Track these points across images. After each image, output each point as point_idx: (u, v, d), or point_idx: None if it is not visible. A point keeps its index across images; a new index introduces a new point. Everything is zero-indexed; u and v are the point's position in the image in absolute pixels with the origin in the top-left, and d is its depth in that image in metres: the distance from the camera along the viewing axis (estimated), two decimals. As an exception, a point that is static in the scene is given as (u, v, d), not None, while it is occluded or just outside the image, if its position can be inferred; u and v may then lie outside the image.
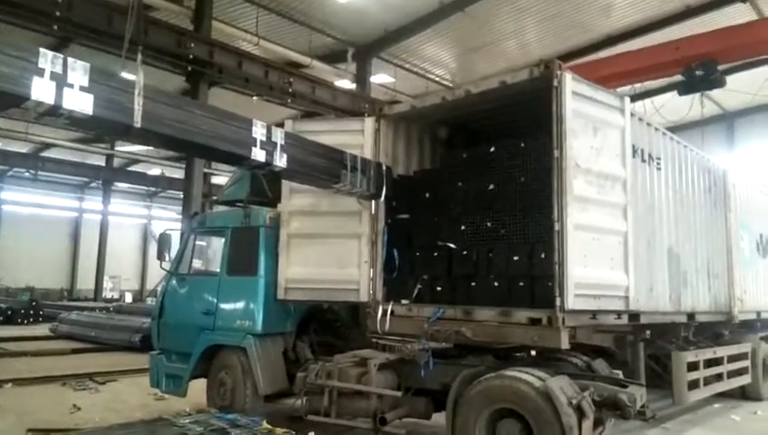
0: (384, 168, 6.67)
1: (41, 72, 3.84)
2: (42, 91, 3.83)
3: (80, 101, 4.02)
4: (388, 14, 16.63)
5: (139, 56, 4.67)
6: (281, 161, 5.44)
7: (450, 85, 19.76)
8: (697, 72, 10.83)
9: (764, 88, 17.77)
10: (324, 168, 5.99)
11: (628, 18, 16.88)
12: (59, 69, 3.94)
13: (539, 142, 5.64)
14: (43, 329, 18.65)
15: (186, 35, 13.34)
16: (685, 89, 11.40)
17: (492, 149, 6.20)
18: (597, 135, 5.51)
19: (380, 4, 16.07)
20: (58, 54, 3.98)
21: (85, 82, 4.05)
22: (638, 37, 17.05)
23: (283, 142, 5.46)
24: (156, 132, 4.57)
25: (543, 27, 17.34)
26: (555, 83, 5.24)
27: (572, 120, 5.23)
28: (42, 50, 3.90)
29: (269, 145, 5.32)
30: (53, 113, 4.07)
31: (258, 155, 5.24)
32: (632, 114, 6.00)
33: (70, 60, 4.00)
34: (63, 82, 3.94)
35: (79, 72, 4.03)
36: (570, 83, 5.26)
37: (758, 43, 10.39)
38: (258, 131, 5.26)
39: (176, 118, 4.67)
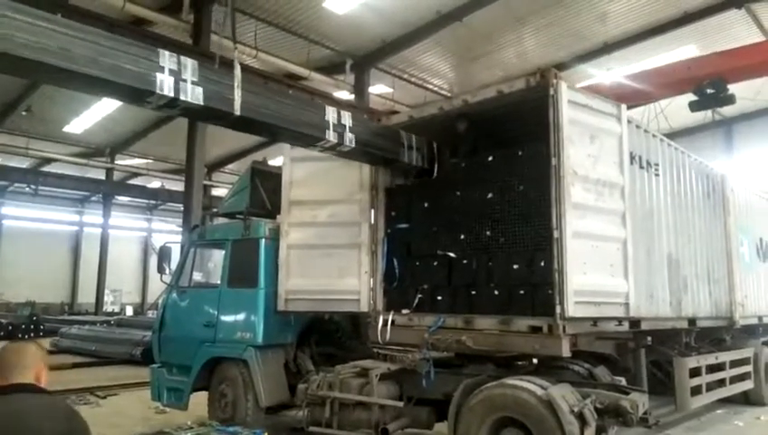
0: (435, 145, 6.88)
1: (162, 70, 4.40)
2: (164, 85, 4.41)
3: (193, 94, 4.59)
4: (385, 25, 16.72)
5: (236, 53, 5.25)
6: (350, 142, 5.92)
7: (448, 95, 19.84)
8: (708, 91, 11.25)
9: (762, 93, 17.81)
10: (385, 146, 6.39)
11: (625, 26, 16.96)
12: (175, 66, 4.49)
13: (537, 150, 5.65)
14: (44, 344, 18.60)
15: (185, 49, 13.41)
16: (696, 106, 11.86)
17: (490, 158, 6.22)
18: (594, 143, 5.54)
19: (378, 16, 16.15)
20: (172, 53, 4.53)
21: (195, 77, 4.62)
22: (636, 44, 17.18)
23: (350, 124, 5.94)
24: (251, 119, 5.14)
25: (541, 36, 17.42)
26: (551, 92, 5.28)
27: (569, 128, 5.26)
28: (160, 50, 4.49)
29: (339, 127, 5.83)
30: (171, 105, 4.63)
31: (331, 136, 5.76)
32: (629, 121, 6.02)
33: (182, 58, 4.55)
34: (179, 77, 4.50)
35: (189, 68, 4.59)
36: (566, 92, 5.30)
37: (766, 63, 10.77)
38: (330, 115, 5.78)
39: (265, 105, 5.26)
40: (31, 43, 3.78)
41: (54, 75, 4.23)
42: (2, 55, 3.72)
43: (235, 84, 4.89)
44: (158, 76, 4.36)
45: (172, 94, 4.46)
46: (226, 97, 4.85)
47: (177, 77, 4.46)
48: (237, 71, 4.95)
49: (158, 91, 4.39)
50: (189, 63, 4.57)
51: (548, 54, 17.84)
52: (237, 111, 4.93)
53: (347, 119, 5.92)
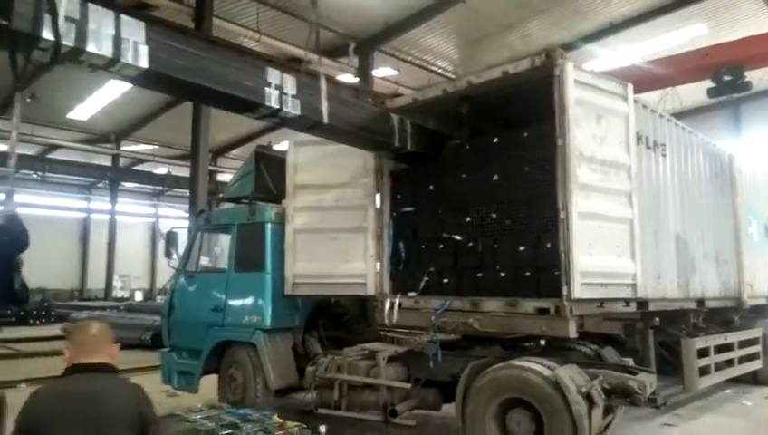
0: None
1: (269, 85, 5.04)
2: (271, 98, 5.02)
3: (292, 105, 5.21)
4: (388, 6, 16.55)
5: (322, 68, 5.97)
6: (412, 146, 6.44)
7: (453, 77, 19.67)
8: (725, 78, 11.34)
9: (770, 71, 17.59)
10: (431, 150, 6.72)
11: (631, 5, 16.72)
12: (278, 81, 5.11)
13: (542, 131, 5.59)
14: (54, 329, 18.81)
15: (187, 33, 13.34)
16: (714, 92, 12.02)
17: (495, 140, 6.17)
18: (600, 123, 5.48)
19: (381, -3, 16.00)
20: (277, 70, 5.18)
21: (294, 91, 5.22)
22: (642, 23, 16.93)
23: (411, 130, 6.44)
24: (336, 127, 5.72)
25: (545, 16, 17.20)
26: (557, 72, 5.21)
27: (575, 108, 5.21)
28: (267, 67, 5.16)
29: (403, 132, 6.35)
30: (274, 115, 5.22)
31: (397, 141, 6.28)
32: (635, 101, 5.95)
33: (283, 74, 5.19)
34: (282, 90, 5.12)
35: (290, 83, 5.20)
36: (571, 72, 5.23)
37: None
38: (396, 123, 6.29)
39: (346, 115, 5.86)
40: (181, 66, 4.48)
41: (193, 91, 4.99)
42: (161, 76, 4.40)
43: (323, 96, 5.48)
44: (267, 90, 5.00)
45: (277, 106, 5.07)
46: (316, 107, 5.44)
47: (280, 91, 5.10)
48: (323, 83, 5.56)
49: (266, 103, 4.99)
50: (289, 79, 5.21)
51: (553, 35, 17.61)
52: (326, 120, 5.50)
53: (408, 125, 6.42)
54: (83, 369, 2.57)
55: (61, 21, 3.73)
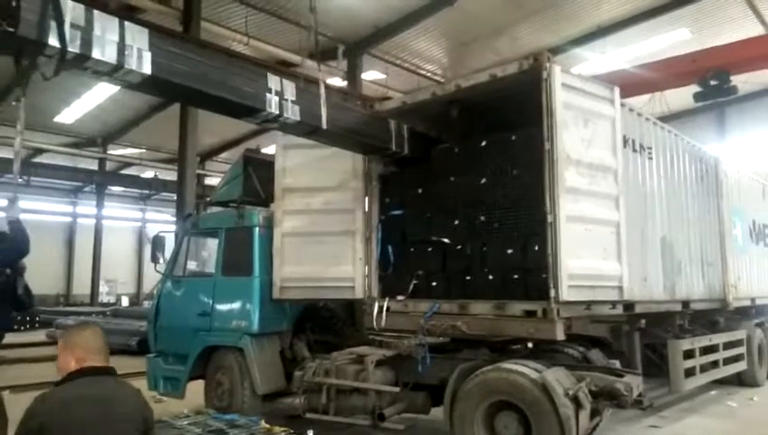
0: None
1: (270, 90, 5.09)
2: (271, 104, 5.08)
3: (292, 111, 5.26)
4: (378, 10, 16.57)
5: (321, 74, 6.10)
6: (408, 151, 6.60)
7: (441, 80, 19.72)
8: (712, 82, 11.53)
9: (753, 76, 17.78)
10: (422, 151, 6.78)
11: (619, 8, 16.87)
12: (278, 87, 5.16)
13: (530, 135, 5.62)
14: (39, 335, 18.57)
15: (175, 37, 13.25)
16: (700, 97, 12.30)
17: (483, 143, 6.19)
18: (587, 126, 5.51)
19: (370, 1, 16.00)
20: (276, 76, 5.22)
21: (294, 97, 5.28)
22: (630, 27, 17.10)
23: (407, 135, 6.60)
24: (335, 132, 5.79)
25: (534, 19, 17.29)
26: (545, 76, 5.23)
27: (562, 111, 5.23)
28: (268, 73, 5.24)
29: (400, 137, 6.51)
30: (274, 120, 5.24)
31: (395, 146, 6.44)
32: (622, 104, 6.00)
33: (283, 80, 5.22)
34: (282, 96, 5.18)
35: (289, 88, 5.26)
36: (559, 75, 5.26)
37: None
38: (392, 127, 6.45)
39: (344, 120, 5.93)
40: (181, 71, 4.50)
41: (194, 97, 5.05)
42: (163, 82, 4.41)
43: (322, 102, 5.54)
44: (267, 96, 5.04)
45: (277, 112, 5.11)
46: (316, 113, 5.49)
47: (280, 97, 5.15)
48: (322, 90, 5.64)
49: (267, 109, 5.04)
50: (288, 85, 5.27)
51: (541, 38, 17.72)
52: (325, 125, 5.54)
53: (405, 129, 6.59)
54: (91, 372, 2.57)
55: (66, 28, 3.73)
